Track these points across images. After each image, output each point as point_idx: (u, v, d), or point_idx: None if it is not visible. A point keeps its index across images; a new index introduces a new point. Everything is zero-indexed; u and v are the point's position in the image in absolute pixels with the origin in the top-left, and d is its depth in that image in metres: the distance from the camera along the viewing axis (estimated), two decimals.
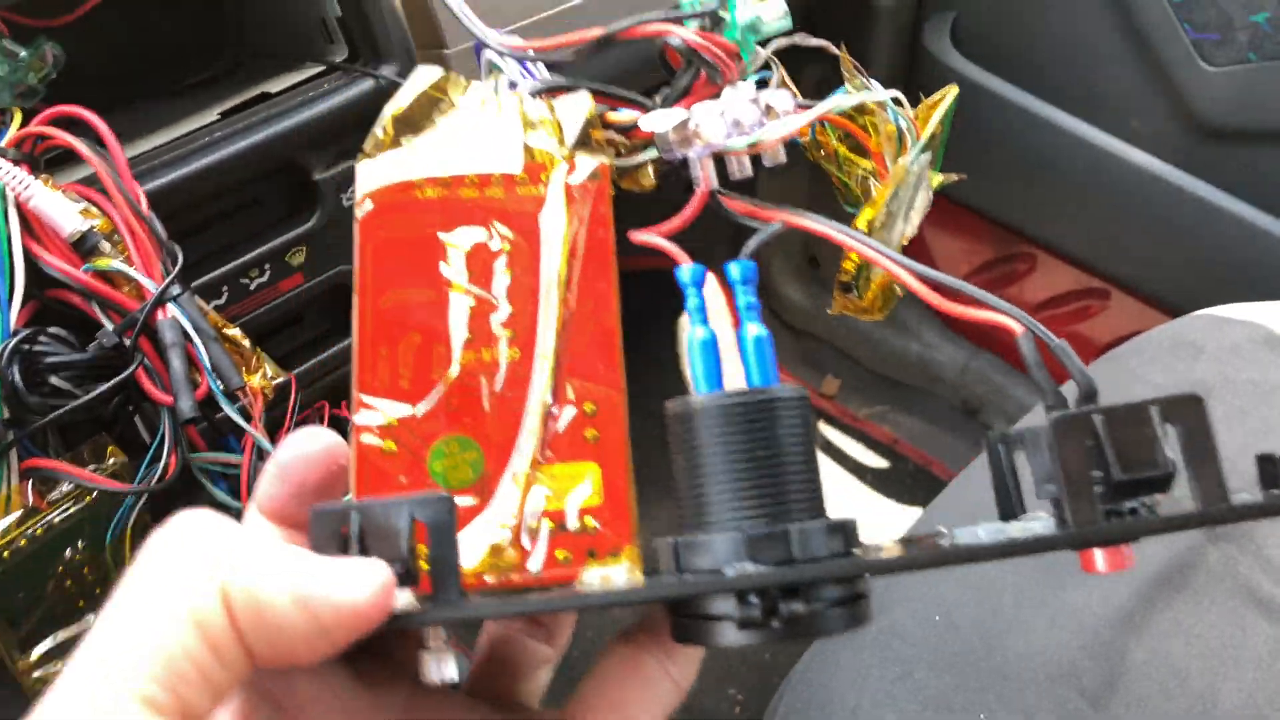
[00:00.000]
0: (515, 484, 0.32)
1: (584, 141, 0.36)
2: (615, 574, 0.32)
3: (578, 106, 0.36)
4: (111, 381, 0.55)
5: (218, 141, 0.61)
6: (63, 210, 0.55)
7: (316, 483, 0.31)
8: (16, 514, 0.55)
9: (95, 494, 0.57)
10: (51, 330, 0.55)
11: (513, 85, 0.38)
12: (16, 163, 0.55)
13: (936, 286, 0.32)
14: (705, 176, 0.37)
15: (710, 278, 0.31)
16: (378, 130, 0.36)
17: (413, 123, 0.36)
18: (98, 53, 0.69)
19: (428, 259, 0.33)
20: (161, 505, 0.63)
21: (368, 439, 0.32)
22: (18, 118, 0.57)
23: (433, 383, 0.32)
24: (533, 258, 0.34)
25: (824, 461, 1.45)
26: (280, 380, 0.61)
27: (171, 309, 0.57)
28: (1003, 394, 1.39)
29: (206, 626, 0.24)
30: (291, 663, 0.26)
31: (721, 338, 0.30)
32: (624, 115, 0.38)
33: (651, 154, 0.38)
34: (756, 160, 0.38)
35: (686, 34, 0.38)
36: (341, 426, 0.70)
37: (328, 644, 0.25)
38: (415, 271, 0.33)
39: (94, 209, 0.57)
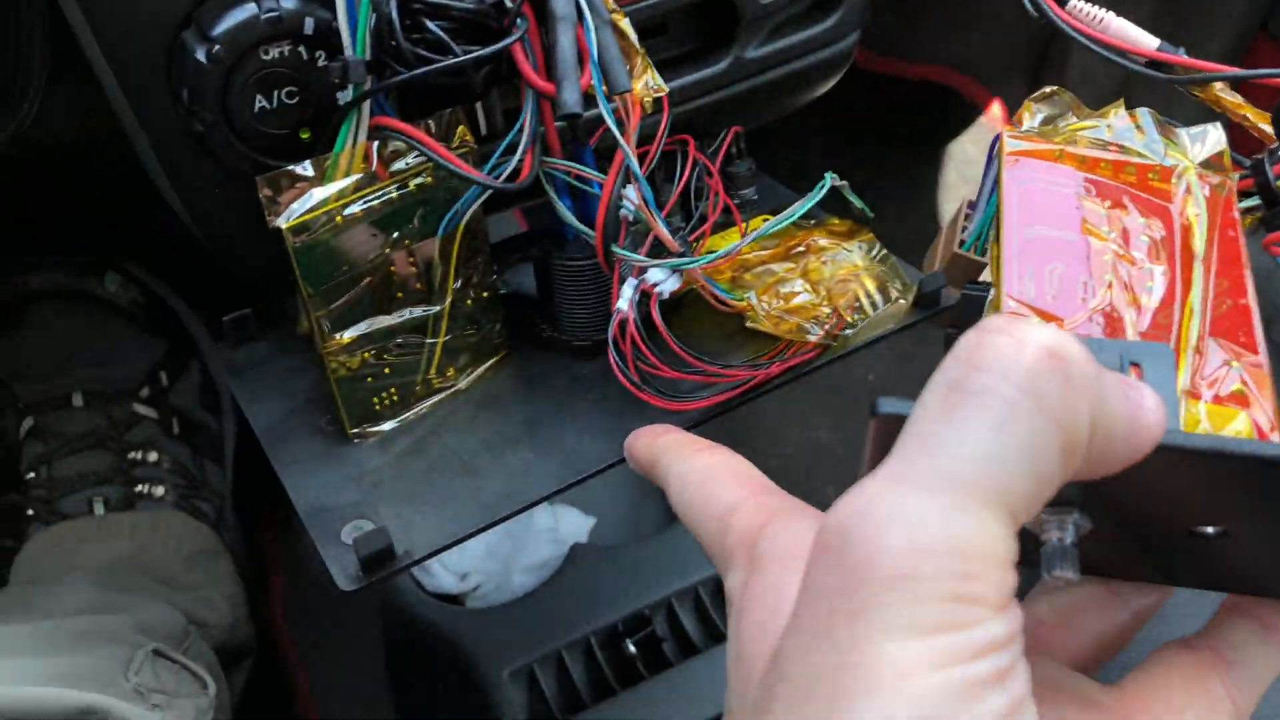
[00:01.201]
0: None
1: (1206, 165, 0.43)
2: None
3: (1209, 137, 0.44)
4: (493, 47, 0.46)
5: None
6: None
7: None
8: (358, 176, 0.47)
9: (438, 177, 0.48)
10: None
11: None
12: None
13: None
14: None
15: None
16: (1024, 116, 0.46)
17: (1053, 119, 0.46)
18: None
19: (1067, 210, 0.40)
20: (495, 202, 0.55)
21: None
22: None
23: (1079, 304, 0.37)
24: (1169, 235, 0.40)
25: None
26: (661, 94, 0.51)
27: None
28: None
29: (1073, 454, 0.24)
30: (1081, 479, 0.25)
31: None
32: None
33: (1253, 201, 0.46)
34: None
35: None
36: (670, 171, 0.60)
37: (1126, 464, 0.25)
38: (1056, 216, 0.39)
39: None
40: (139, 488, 0.87)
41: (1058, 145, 0.42)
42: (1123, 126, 0.44)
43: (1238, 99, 0.50)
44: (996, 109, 1.45)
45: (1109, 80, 1.34)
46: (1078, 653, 0.33)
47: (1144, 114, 0.45)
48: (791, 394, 0.61)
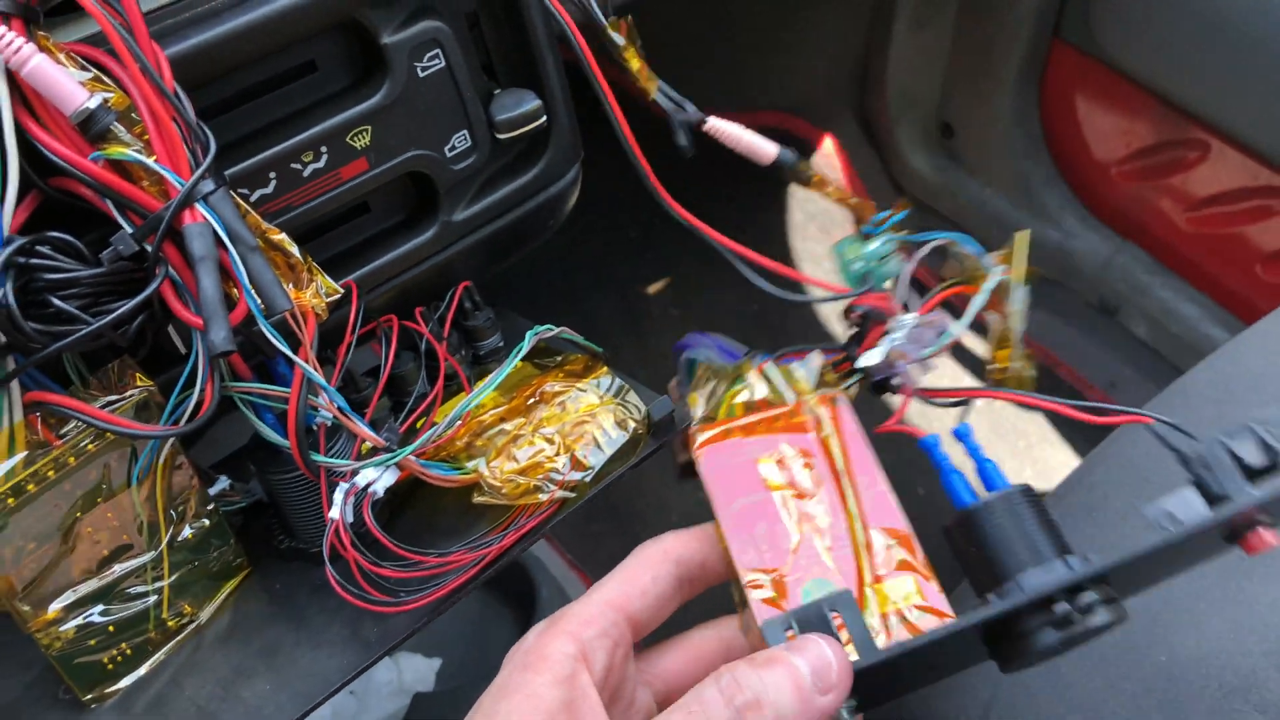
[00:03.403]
0: (867, 601, 0.45)
1: (820, 383, 0.54)
2: None
3: (812, 363, 0.54)
4: (128, 304, 0.45)
5: None
6: (66, 82, 0.44)
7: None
8: (21, 455, 0.46)
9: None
10: (53, 236, 0.45)
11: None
12: (6, 17, 0.43)
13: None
14: (911, 380, 0.54)
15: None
16: (696, 402, 0.54)
17: (713, 394, 0.54)
18: None
19: (749, 477, 0.49)
20: (194, 433, 0.54)
21: (759, 595, 0.45)
22: None
23: (785, 551, 0.46)
24: (821, 456, 0.50)
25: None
26: (336, 297, 0.50)
27: (201, 210, 0.46)
28: (1147, 294, 1.23)
29: None
30: None
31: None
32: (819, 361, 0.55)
33: (857, 378, 0.55)
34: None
35: (869, 299, 0.56)
36: (410, 338, 0.60)
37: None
38: (744, 486, 0.49)
39: (105, 78, 0.45)
40: None
41: (723, 426, 0.51)
42: (757, 383, 0.54)
43: (831, 186, 0.64)
44: (829, 144, 1.46)
45: (929, 95, 1.36)
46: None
47: (769, 368, 0.54)
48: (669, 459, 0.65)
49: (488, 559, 0.52)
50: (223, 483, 0.57)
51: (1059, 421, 1.26)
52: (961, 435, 0.49)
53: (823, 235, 1.40)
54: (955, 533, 0.45)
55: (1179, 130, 1.13)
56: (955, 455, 0.48)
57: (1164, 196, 1.20)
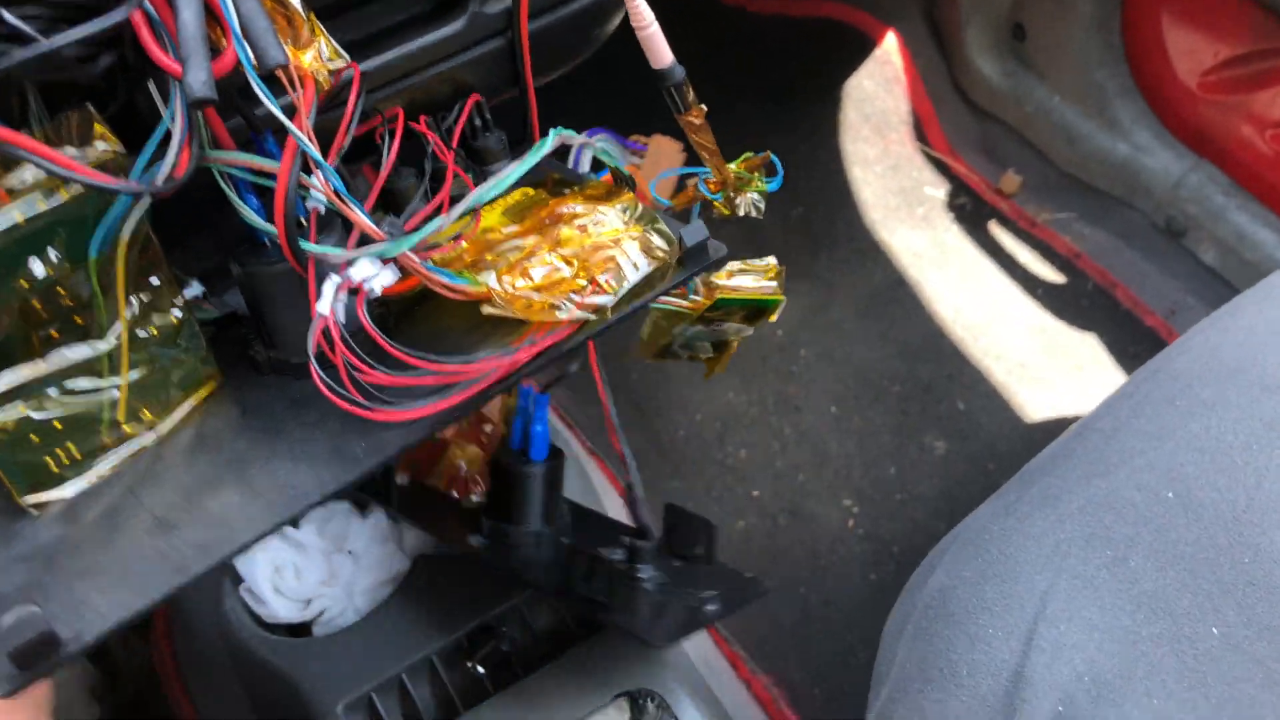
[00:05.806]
0: None
1: None
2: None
3: None
4: (93, 25, 0.38)
5: None
6: None
7: None
8: None
9: (76, 192, 0.41)
10: None
11: None
12: None
13: None
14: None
15: None
16: None
17: None
18: None
19: None
20: (170, 214, 0.47)
21: None
22: None
23: None
24: None
25: (990, 269, 1.23)
26: (341, 67, 0.43)
27: None
28: (1220, 217, 1.15)
29: None
30: None
31: None
32: None
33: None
34: None
35: None
36: (410, 154, 0.53)
37: None
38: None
39: None
40: None
41: None
42: None
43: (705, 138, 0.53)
44: (891, 40, 1.37)
45: (1001, 4, 1.27)
46: None
47: None
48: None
49: (502, 370, 0.46)
50: (195, 288, 0.50)
51: (1113, 346, 1.19)
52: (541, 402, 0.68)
53: (876, 138, 1.32)
54: (509, 471, 0.68)
55: (1275, 39, 1.04)
56: None
57: (1248, 113, 1.11)
